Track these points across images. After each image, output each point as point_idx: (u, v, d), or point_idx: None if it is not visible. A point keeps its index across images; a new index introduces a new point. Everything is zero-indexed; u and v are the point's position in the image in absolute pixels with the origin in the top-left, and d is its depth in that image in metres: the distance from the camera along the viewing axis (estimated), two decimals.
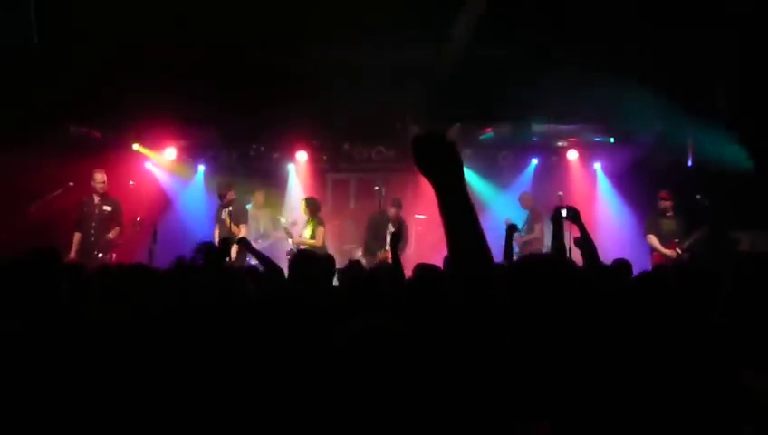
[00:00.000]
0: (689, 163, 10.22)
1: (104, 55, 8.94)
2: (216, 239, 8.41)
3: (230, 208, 8.88)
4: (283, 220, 9.73)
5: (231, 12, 8.08)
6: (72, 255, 8.21)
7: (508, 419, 1.72)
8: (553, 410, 1.77)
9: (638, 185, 10.25)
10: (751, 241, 8.61)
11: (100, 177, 8.70)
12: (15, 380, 2.11)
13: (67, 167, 9.14)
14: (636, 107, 9.24)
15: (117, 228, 8.68)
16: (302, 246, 8.48)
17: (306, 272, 4.31)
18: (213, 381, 2.32)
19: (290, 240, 9.25)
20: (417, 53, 9.06)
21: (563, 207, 4.84)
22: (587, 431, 1.76)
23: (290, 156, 11.09)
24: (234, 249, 7.58)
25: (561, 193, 9.50)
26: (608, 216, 10.86)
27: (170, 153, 10.62)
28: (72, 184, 8.91)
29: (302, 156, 11.01)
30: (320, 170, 11.45)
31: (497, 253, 2.82)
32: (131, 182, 9.30)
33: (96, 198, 8.67)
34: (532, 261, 2.18)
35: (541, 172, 11.26)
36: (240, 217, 8.92)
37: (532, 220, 10.22)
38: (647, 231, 8.96)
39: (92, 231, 8.54)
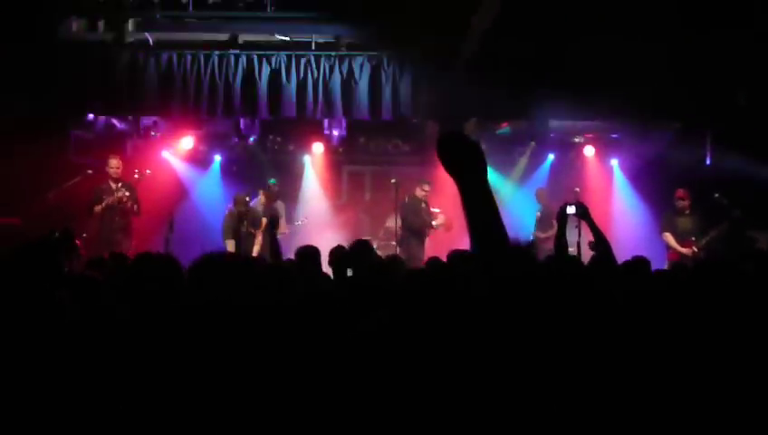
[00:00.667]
0: (707, 161, 10.14)
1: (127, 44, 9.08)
2: (231, 249, 8.71)
3: (246, 221, 9.10)
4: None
5: None
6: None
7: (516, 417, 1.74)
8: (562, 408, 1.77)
9: (654, 182, 10.17)
10: None
11: (114, 162, 8.77)
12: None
13: (85, 155, 9.23)
14: (654, 104, 9.18)
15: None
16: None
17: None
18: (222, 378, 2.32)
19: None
20: (434, 48, 9.05)
21: (571, 204, 4.79)
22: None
23: (306, 148, 11.10)
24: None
25: (577, 189, 9.46)
26: (624, 212, 10.80)
27: (187, 142, 10.68)
28: (90, 172, 8.99)
29: (317, 148, 11.03)
30: (336, 162, 11.47)
31: None
32: (148, 171, 9.36)
33: (112, 184, 8.73)
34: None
35: (557, 168, 11.20)
36: (256, 222, 9.19)
37: (551, 217, 10.17)
38: (663, 229, 8.90)
39: (109, 216, 8.60)
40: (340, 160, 11.52)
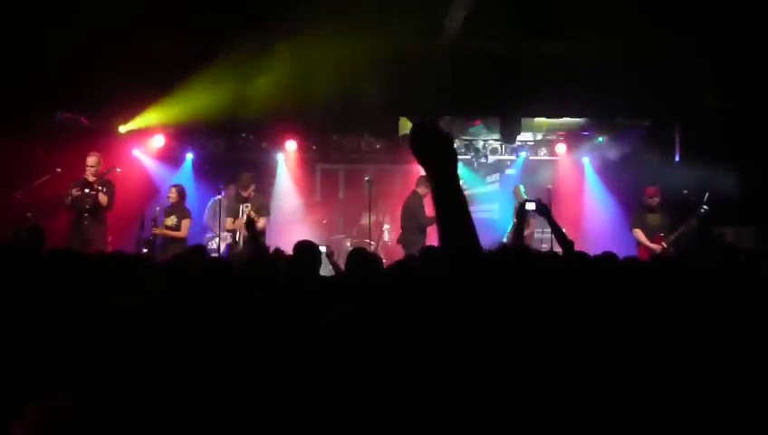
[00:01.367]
0: (677, 159, 10.30)
1: (92, 41, 8.90)
2: (229, 229, 9.03)
3: (248, 204, 8.91)
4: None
5: None
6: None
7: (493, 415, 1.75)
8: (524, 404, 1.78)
9: (625, 179, 10.32)
10: (735, 236, 8.71)
11: (93, 160, 8.60)
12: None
13: (54, 153, 9.06)
14: (624, 102, 9.30)
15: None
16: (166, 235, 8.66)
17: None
18: (211, 378, 2.30)
19: (154, 230, 8.78)
20: (408, 46, 9.04)
21: (531, 201, 4.90)
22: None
23: (279, 145, 11.04)
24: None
25: (549, 187, 9.53)
26: (595, 209, 10.94)
27: (158, 141, 10.55)
28: (59, 170, 8.82)
29: (290, 145, 10.96)
30: (309, 160, 11.43)
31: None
32: (119, 169, 9.20)
33: (89, 181, 8.55)
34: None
35: (529, 165, 11.30)
36: (262, 209, 8.97)
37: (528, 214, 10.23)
38: (633, 225, 9.03)
39: (86, 214, 8.44)
40: (313, 158, 11.49)
